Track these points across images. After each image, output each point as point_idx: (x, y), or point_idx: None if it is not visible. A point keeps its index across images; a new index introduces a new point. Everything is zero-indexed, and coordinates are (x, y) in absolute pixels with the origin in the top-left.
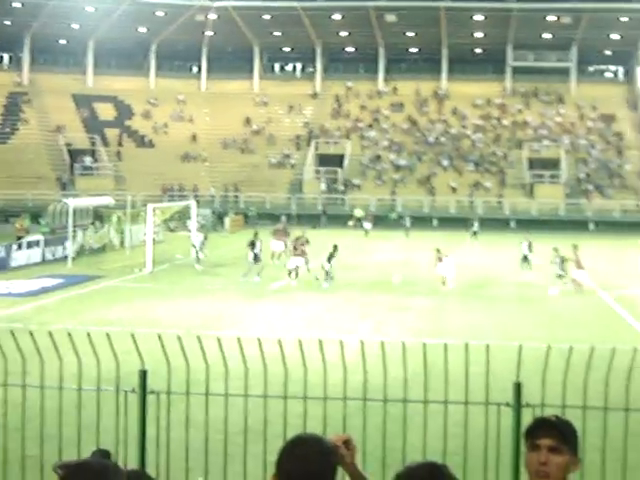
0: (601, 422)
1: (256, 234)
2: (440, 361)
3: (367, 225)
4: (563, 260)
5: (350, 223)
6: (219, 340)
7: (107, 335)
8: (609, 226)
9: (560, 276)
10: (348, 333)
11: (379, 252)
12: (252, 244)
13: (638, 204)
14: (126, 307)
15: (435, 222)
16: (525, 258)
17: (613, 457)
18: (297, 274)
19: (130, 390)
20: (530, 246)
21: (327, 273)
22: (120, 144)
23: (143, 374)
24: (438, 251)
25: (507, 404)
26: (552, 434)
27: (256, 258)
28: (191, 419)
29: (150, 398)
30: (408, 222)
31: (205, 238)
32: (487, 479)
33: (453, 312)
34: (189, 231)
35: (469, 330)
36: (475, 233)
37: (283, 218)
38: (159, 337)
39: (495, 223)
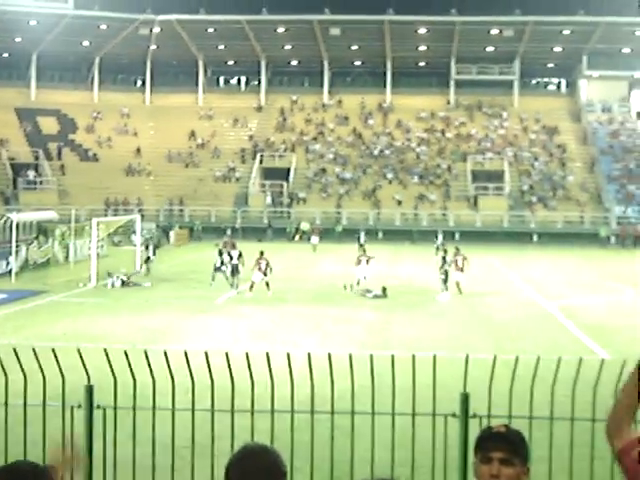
0: (547, 432)
1: (217, 244)
2: (387, 372)
3: (314, 239)
4: (444, 262)
5: (296, 238)
6: (165, 354)
7: (52, 350)
8: (552, 237)
9: (444, 280)
10: (295, 346)
11: (325, 265)
12: (220, 254)
13: (581, 215)
14: (71, 322)
15: (380, 234)
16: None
17: (560, 467)
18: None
19: (76, 405)
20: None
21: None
22: (60, 157)
23: (89, 389)
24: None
25: (454, 415)
26: (503, 446)
27: (233, 270)
28: (138, 434)
29: (97, 413)
30: (362, 237)
31: (155, 250)
32: None
33: (399, 324)
34: (134, 245)
35: (415, 342)
36: (437, 248)
37: (228, 232)
38: (105, 352)
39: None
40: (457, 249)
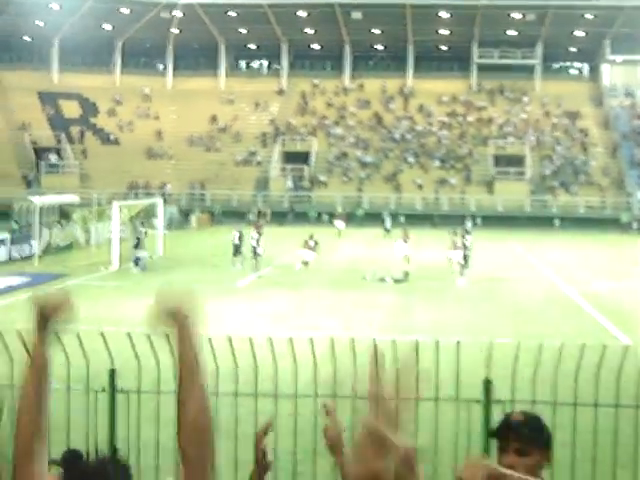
0: (571, 418)
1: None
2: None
3: (340, 224)
4: (465, 248)
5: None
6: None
7: (77, 335)
8: (574, 222)
9: (462, 265)
10: (317, 329)
11: (347, 249)
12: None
13: (603, 200)
14: (93, 305)
15: (402, 219)
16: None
17: (583, 453)
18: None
19: (100, 390)
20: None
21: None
22: (81, 141)
23: (112, 373)
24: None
25: (477, 401)
26: (518, 436)
27: (255, 252)
28: (161, 417)
29: (120, 397)
30: (388, 222)
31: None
32: None
33: (420, 309)
34: (156, 229)
35: (437, 326)
36: (467, 231)
37: (253, 215)
38: (128, 336)
39: (461, 220)
40: (455, 232)
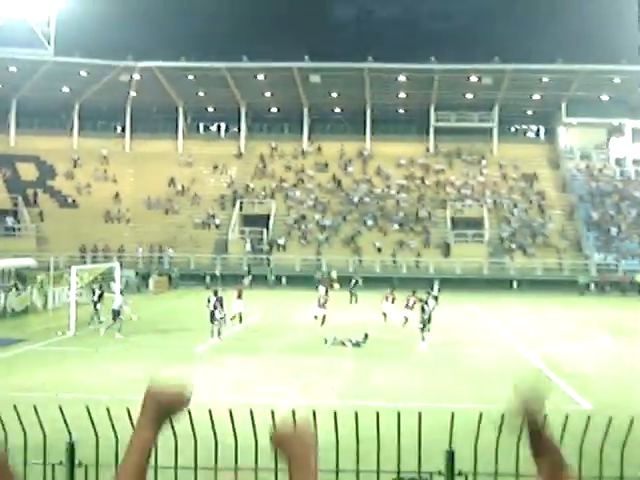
0: None
1: (216, 292)
2: (370, 425)
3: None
4: (422, 311)
5: (335, 286)
6: None
7: (34, 407)
8: (532, 284)
9: (421, 329)
10: (277, 397)
11: (305, 312)
12: (208, 301)
13: (560, 262)
14: (49, 371)
15: (360, 281)
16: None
17: None
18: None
19: (58, 463)
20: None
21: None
22: (35, 202)
23: (71, 447)
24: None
25: (439, 472)
26: None
27: (212, 316)
28: None
29: (78, 471)
30: (354, 284)
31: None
32: None
33: (379, 373)
34: (113, 292)
35: (396, 392)
36: (436, 298)
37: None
38: (87, 409)
39: (419, 282)
40: (413, 292)
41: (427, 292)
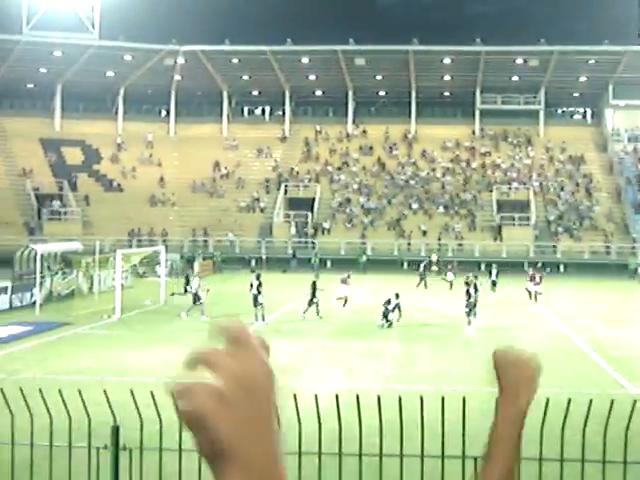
0: (578, 474)
1: (258, 276)
2: (414, 409)
3: (449, 276)
4: (468, 297)
5: (435, 268)
6: None
7: (79, 391)
8: (579, 268)
9: (467, 313)
10: (321, 380)
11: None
12: (251, 286)
13: (607, 246)
14: (95, 355)
15: (405, 265)
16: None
17: None
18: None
19: (102, 447)
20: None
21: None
22: (75, 187)
23: (115, 430)
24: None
25: (484, 457)
26: None
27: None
28: (164, 474)
29: (123, 454)
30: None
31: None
32: None
33: (425, 357)
34: (158, 276)
35: (441, 376)
36: (494, 283)
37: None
38: (131, 393)
39: (466, 265)
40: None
41: (475, 276)
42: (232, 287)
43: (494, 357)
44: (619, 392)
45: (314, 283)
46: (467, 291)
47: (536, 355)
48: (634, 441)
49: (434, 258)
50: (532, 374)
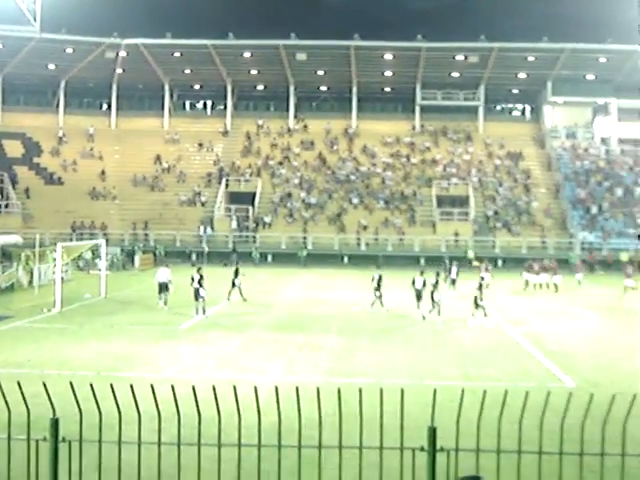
0: (515, 465)
1: (199, 269)
2: (353, 400)
3: (486, 276)
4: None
5: (475, 264)
6: (131, 386)
7: (18, 383)
8: (517, 262)
9: (476, 306)
10: (260, 373)
11: (290, 291)
12: (192, 279)
13: (543, 241)
14: (35, 348)
15: (345, 259)
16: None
17: None
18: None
19: (42, 439)
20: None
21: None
22: (15, 180)
23: (55, 423)
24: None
25: (422, 449)
26: None
27: (197, 294)
28: (104, 466)
29: (62, 446)
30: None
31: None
32: None
33: (364, 351)
34: (99, 270)
35: (380, 369)
36: (454, 281)
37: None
38: (70, 385)
39: (404, 260)
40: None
41: (437, 273)
42: (173, 281)
43: None
44: (555, 385)
45: (237, 270)
46: (434, 285)
47: None
48: (570, 432)
49: (470, 254)
50: None
